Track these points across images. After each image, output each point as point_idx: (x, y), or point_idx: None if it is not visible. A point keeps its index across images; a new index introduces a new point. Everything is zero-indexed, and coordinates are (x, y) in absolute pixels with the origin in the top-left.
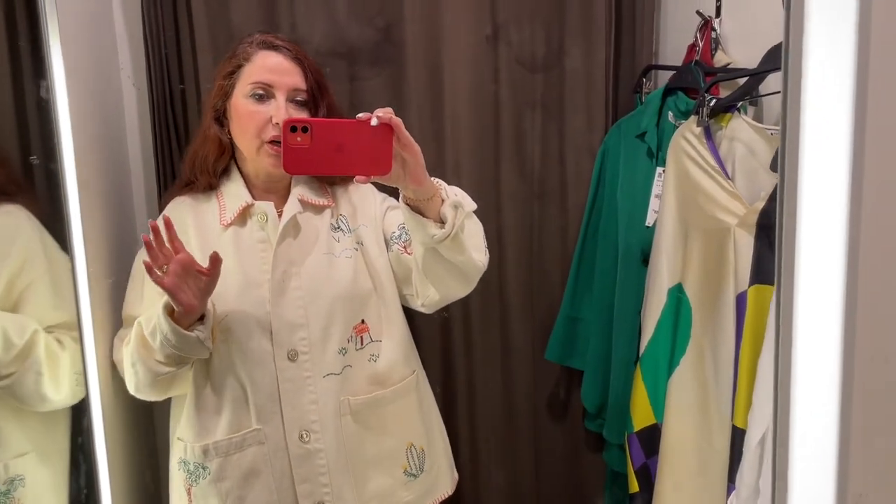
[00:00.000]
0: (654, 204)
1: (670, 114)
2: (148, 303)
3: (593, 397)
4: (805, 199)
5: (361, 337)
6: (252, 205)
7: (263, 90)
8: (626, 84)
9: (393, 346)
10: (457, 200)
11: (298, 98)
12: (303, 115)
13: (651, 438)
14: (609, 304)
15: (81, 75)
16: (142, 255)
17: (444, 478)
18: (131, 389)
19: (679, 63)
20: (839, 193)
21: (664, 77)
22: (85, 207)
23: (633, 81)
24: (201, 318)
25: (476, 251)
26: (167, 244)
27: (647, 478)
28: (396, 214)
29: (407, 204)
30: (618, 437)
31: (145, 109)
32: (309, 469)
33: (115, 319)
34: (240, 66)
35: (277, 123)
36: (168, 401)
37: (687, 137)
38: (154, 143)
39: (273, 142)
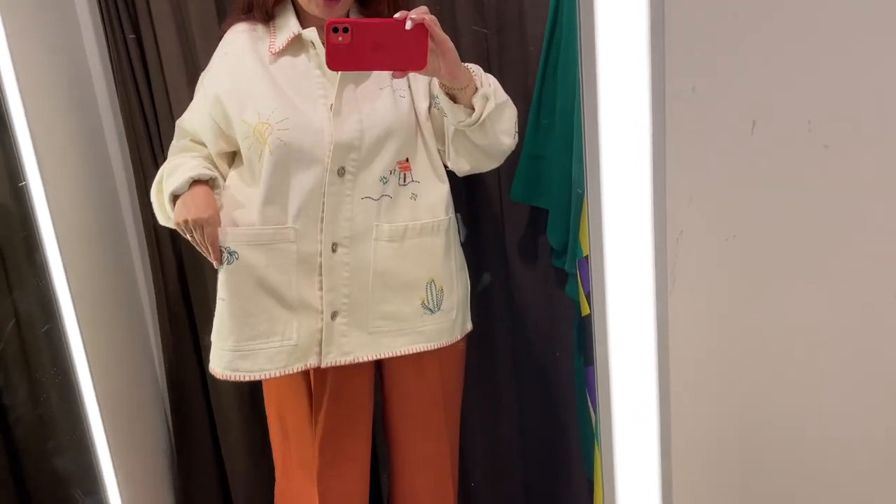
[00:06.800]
0: None
1: None
2: (194, 113)
3: (558, 235)
4: None
5: (405, 174)
6: (299, 34)
7: None
8: None
9: (432, 191)
10: (487, 92)
11: None
12: None
13: None
14: (570, 140)
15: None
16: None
17: (458, 325)
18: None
19: None
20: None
21: None
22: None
23: None
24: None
25: (504, 135)
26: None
27: None
28: None
29: (442, 90)
30: (574, 266)
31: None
32: (334, 279)
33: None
34: None
35: None
36: None
37: None
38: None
39: None
